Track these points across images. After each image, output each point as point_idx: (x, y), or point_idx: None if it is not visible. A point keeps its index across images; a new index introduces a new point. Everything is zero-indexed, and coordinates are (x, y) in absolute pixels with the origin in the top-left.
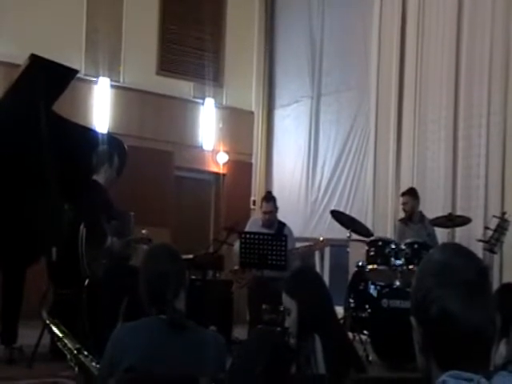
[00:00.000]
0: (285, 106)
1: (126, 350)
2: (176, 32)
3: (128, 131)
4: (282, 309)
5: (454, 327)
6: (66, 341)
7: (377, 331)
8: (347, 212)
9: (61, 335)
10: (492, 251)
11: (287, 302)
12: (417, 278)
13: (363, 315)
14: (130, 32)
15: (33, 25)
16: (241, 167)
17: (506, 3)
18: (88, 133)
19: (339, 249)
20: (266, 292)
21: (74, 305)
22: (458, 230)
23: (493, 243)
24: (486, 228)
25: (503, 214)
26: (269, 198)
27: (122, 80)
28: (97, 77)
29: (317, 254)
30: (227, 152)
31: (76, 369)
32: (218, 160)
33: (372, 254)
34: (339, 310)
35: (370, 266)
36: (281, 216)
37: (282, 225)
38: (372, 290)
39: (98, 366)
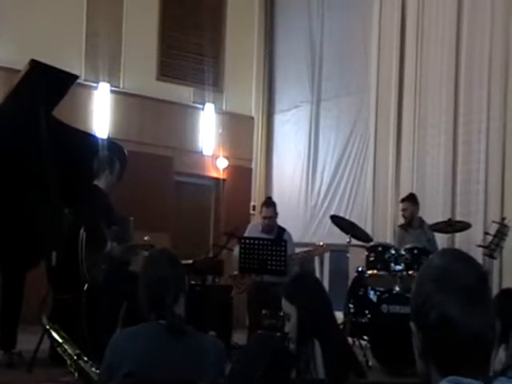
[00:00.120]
0: (284, 111)
1: (125, 356)
2: (176, 37)
3: (128, 136)
4: (281, 314)
5: (453, 333)
6: (65, 346)
7: (376, 336)
8: (347, 217)
9: (61, 340)
10: (492, 256)
11: (287, 307)
12: (416, 283)
13: (363, 320)
14: (130, 37)
15: (33, 30)
16: (241, 172)
17: (506, 6)
18: (88, 138)
19: (339, 254)
20: (266, 297)
21: (73, 310)
22: (457, 235)
23: (492, 248)
24: (486, 233)
25: (503, 219)
26: (269, 203)
27: (121, 85)
28: (97, 82)
29: (316, 259)
30: (227, 157)
31: (76, 374)
32: (218, 165)
33: (372, 259)
34: (339, 316)
35: (369, 272)
36: (280, 221)
37: (282, 230)
38: (372, 295)
39: (97, 371)
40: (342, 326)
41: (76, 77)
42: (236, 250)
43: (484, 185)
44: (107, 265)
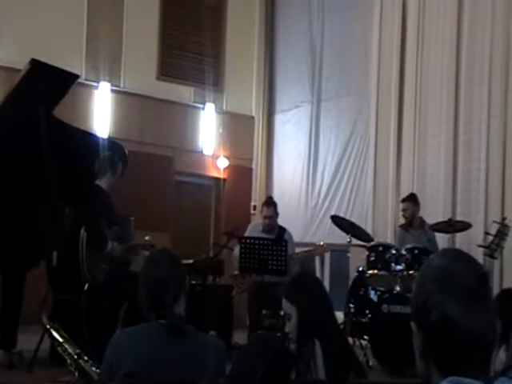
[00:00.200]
0: (285, 111)
1: (125, 356)
2: (176, 37)
3: (128, 136)
4: (282, 314)
5: (454, 333)
6: (66, 346)
7: (377, 336)
8: (347, 217)
9: (61, 340)
10: (492, 256)
11: (287, 307)
12: (417, 283)
13: (363, 320)
14: (131, 37)
15: (33, 30)
16: (241, 172)
17: (506, 6)
18: (88, 137)
19: (339, 254)
20: (266, 297)
21: (73, 310)
22: (458, 235)
23: (493, 248)
24: (487, 233)
25: (503, 219)
26: (269, 202)
27: (122, 85)
28: (97, 82)
29: (317, 259)
30: (227, 157)
31: (76, 374)
32: (219, 165)
33: (372, 259)
34: (339, 315)
35: (370, 271)
36: (281, 221)
37: (283, 230)
38: (372, 295)
39: (98, 371)
40: (342, 326)
41: (76, 76)
42: (236, 249)
43: (484, 184)
44: (108, 265)
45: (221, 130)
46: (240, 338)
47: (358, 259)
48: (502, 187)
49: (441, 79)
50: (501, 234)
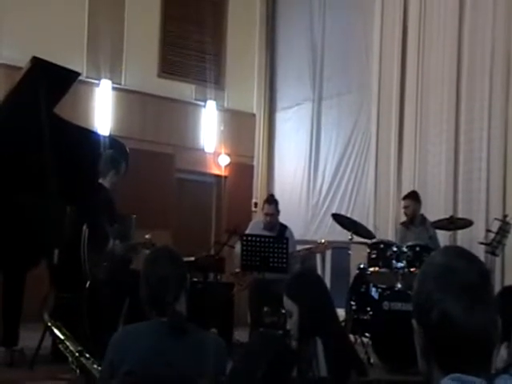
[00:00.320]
0: (286, 109)
1: (126, 353)
2: (177, 34)
3: (129, 133)
4: (283, 311)
5: (455, 330)
6: (67, 343)
7: (378, 334)
8: (348, 215)
9: (62, 337)
10: (494, 254)
11: (288, 304)
12: (418, 280)
13: (365, 318)
14: (132, 34)
15: (34, 27)
16: (242, 170)
17: (507, 9)
18: (90, 135)
19: (341, 251)
20: (267, 294)
21: (75, 307)
22: (459, 232)
23: (495, 246)
24: (488, 231)
25: (505, 216)
26: (271, 200)
27: (123, 82)
28: (98, 79)
29: (318, 257)
30: (228, 154)
31: (78, 371)
32: (220, 162)
33: (373, 256)
34: (340, 313)
35: (371, 269)
36: (282, 218)
37: (284, 227)
38: (373, 292)
39: (99, 368)
40: (343, 324)
41: (78, 74)
42: (237, 247)
43: (486, 182)
44: (109, 262)
45: (222, 128)
46: (241, 335)
47: (359, 256)
48: (504, 185)
49: (442, 76)
50: (502, 231)
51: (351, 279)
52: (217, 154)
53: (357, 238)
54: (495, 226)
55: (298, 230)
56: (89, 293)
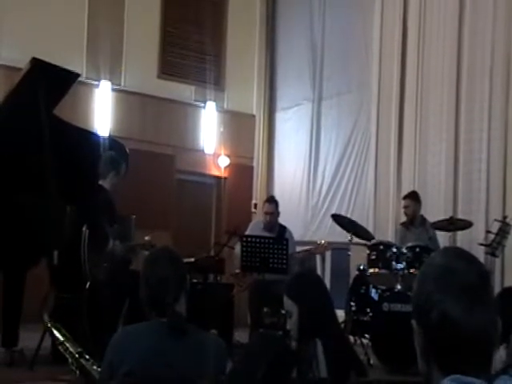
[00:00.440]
0: (286, 110)
1: (126, 354)
2: (177, 35)
3: (129, 135)
4: (283, 312)
5: (454, 331)
6: (67, 344)
7: (378, 335)
8: (348, 215)
9: (62, 339)
10: (494, 255)
11: (288, 304)
12: (418, 281)
13: (364, 319)
14: (132, 35)
15: (34, 28)
16: (242, 170)
17: (507, 10)
18: (89, 136)
19: (340, 252)
20: (267, 295)
21: (75, 308)
22: (459, 233)
23: (494, 247)
24: (488, 232)
25: (505, 217)
26: (271, 200)
27: (123, 83)
28: (98, 80)
29: (318, 258)
30: (228, 155)
31: (77, 372)
32: (220, 163)
33: (373, 257)
34: (340, 314)
35: (371, 270)
36: (282, 219)
37: (283, 228)
38: (373, 293)
39: (99, 369)
40: (343, 325)
41: (77, 75)
42: (237, 248)
43: (486, 183)
44: (109, 263)
45: (222, 129)
46: (241, 336)
47: (358, 257)
48: (504, 185)
49: (442, 76)
50: (502, 232)
51: (351, 280)
52: (216, 155)
53: (356, 239)
54: (495, 227)
55: (298, 231)
56: (89, 293)
